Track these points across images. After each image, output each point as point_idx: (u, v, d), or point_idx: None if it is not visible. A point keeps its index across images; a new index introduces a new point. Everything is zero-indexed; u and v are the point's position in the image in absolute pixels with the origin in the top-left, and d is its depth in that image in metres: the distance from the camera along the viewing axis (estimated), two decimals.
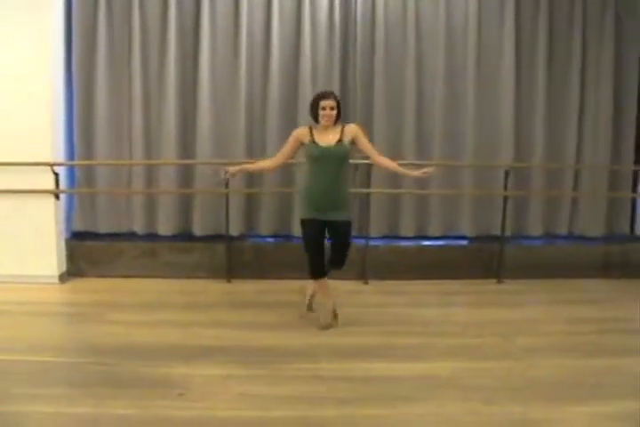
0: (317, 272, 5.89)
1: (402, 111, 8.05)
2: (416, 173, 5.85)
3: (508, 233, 8.02)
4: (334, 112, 5.71)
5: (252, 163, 6.59)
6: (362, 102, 8.01)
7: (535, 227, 8.30)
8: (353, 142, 5.79)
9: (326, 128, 5.75)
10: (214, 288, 7.48)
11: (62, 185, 7.56)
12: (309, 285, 6.24)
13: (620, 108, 8.24)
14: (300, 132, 5.83)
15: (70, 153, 7.95)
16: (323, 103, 5.68)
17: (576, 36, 8.06)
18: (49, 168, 7.33)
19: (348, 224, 5.87)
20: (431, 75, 8.03)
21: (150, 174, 8.03)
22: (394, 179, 7.89)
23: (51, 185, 7.39)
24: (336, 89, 7.83)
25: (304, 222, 5.84)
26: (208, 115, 7.91)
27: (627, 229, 8.50)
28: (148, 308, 6.68)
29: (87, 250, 7.88)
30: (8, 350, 5.36)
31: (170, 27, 7.78)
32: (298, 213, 5.95)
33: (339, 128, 5.78)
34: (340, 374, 4.95)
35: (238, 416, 4.22)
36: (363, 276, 7.58)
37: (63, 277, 7.62)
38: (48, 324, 6.24)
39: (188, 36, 7.89)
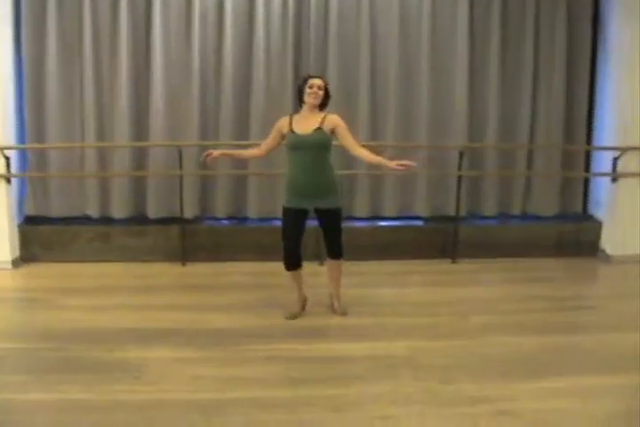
0: (288, 262, 5.77)
1: (356, 93, 8.04)
2: (393, 164, 5.44)
3: (462, 213, 8.06)
4: (321, 92, 5.57)
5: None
6: None
7: (489, 207, 8.35)
8: (332, 132, 5.59)
9: (310, 111, 5.62)
10: (169, 271, 7.46)
11: (13, 169, 7.48)
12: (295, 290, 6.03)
13: (572, 89, 8.29)
14: (281, 123, 5.72)
15: (21, 137, 7.85)
16: (311, 81, 5.57)
17: (529, 17, 8.09)
18: None
19: (333, 211, 5.75)
20: (385, 57, 8.03)
21: (103, 157, 7.95)
22: (347, 160, 7.85)
23: (1, 169, 7.31)
24: (289, 72, 7.84)
25: (284, 210, 5.78)
26: (161, 97, 7.84)
27: (579, 209, 8.58)
28: (103, 292, 6.65)
29: (40, 234, 7.81)
30: None
31: (121, 8, 7.67)
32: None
33: (321, 116, 5.61)
34: (294, 354, 4.98)
35: (194, 399, 4.23)
36: (318, 257, 7.58)
37: (16, 263, 7.54)
38: (1, 310, 6.19)
39: (140, 19, 7.80)
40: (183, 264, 7.62)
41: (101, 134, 7.91)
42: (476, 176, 8.23)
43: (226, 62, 7.86)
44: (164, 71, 7.82)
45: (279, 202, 7.68)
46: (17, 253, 7.62)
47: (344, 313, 5.90)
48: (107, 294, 6.59)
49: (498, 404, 4.15)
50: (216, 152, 5.84)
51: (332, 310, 5.98)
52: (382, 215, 8.27)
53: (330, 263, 6.00)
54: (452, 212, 8.03)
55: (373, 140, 7.99)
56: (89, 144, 7.85)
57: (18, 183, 7.78)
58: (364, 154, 5.64)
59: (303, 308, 6.01)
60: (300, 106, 5.72)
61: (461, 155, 7.78)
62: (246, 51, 7.91)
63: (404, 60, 8.06)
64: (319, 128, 5.53)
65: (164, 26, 7.76)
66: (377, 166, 5.93)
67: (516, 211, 8.45)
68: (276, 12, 7.85)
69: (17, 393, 4.31)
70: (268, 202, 8.00)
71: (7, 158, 7.30)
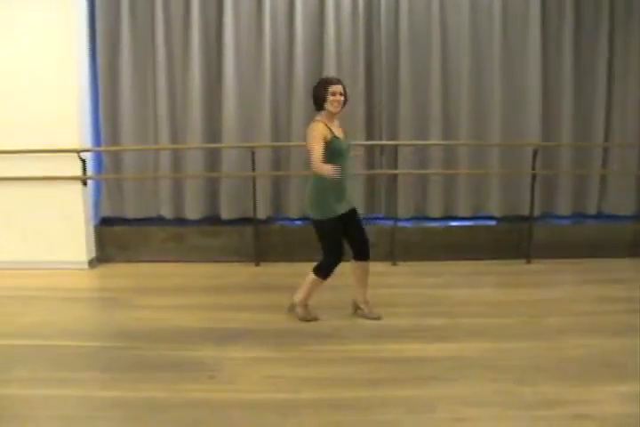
0: (331, 272, 5.66)
1: (428, 91, 7.99)
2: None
3: (536, 213, 7.96)
4: (342, 98, 5.40)
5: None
6: (387, 83, 7.97)
7: (564, 206, 8.23)
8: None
9: (334, 116, 5.48)
10: (242, 272, 7.50)
11: (89, 171, 7.61)
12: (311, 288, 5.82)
13: None
14: (323, 131, 5.35)
15: (97, 139, 8.00)
16: (333, 88, 5.34)
17: (604, 10, 7.92)
18: (76, 155, 7.36)
19: (312, 221, 5.68)
20: (457, 54, 7.96)
21: (177, 159, 8.05)
22: (421, 160, 7.89)
23: (78, 171, 7.44)
24: (361, 71, 7.82)
25: (332, 221, 5.51)
26: (233, 99, 7.90)
27: None
28: (177, 292, 6.73)
29: (115, 235, 7.94)
30: (39, 335, 5.43)
31: (193, 12, 7.77)
32: (321, 213, 5.48)
33: (338, 121, 5.58)
34: (369, 355, 4.96)
35: (268, 399, 4.24)
36: (391, 257, 7.57)
37: (92, 263, 7.68)
38: (78, 309, 6.31)
39: (211, 22, 7.88)
40: (256, 264, 7.66)
41: (174, 136, 8.01)
42: (551, 175, 8.12)
43: (297, 63, 7.88)
44: (235, 73, 7.87)
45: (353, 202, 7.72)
46: (93, 253, 7.76)
47: (379, 317, 5.75)
48: (181, 293, 6.66)
49: (576, 407, 4.07)
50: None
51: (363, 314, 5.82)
52: (456, 215, 8.20)
53: (359, 266, 5.77)
54: (525, 211, 7.93)
55: (446, 138, 7.95)
56: (163, 146, 7.94)
57: (94, 185, 7.92)
58: None
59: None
60: (318, 110, 5.48)
61: (535, 153, 7.67)
62: (317, 51, 7.93)
63: (476, 57, 7.98)
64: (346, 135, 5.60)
65: (236, 28, 7.82)
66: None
67: (592, 210, 8.30)
68: (346, 12, 7.84)
69: (93, 391, 4.38)
70: None
71: (83, 161, 7.42)
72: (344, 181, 5.46)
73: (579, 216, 8.34)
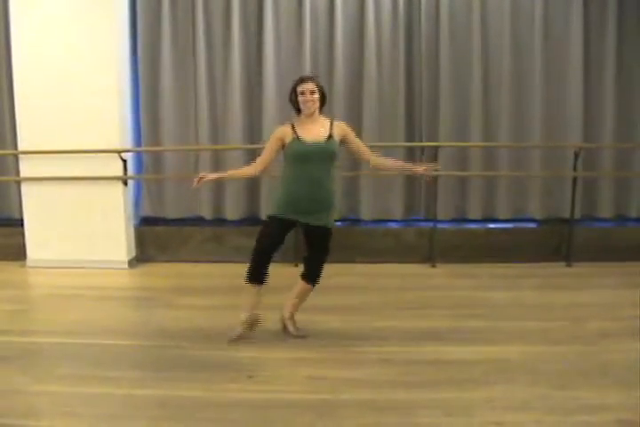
0: (256, 275, 5.38)
1: (468, 92, 7.97)
2: (421, 169, 5.24)
3: (577, 215, 7.88)
4: (316, 96, 5.00)
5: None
6: (428, 83, 7.95)
7: (606, 209, 8.15)
8: (342, 141, 5.11)
9: (310, 118, 5.07)
10: (282, 272, 7.39)
11: (130, 171, 7.67)
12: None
13: None
14: (282, 131, 5.13)
15: (137, 140, 8.07)
16: (300, 88, 4.99)
17: None
18: (117, 155, 7.42)
19: (325, 230, 5.21)
20: (498, 55, 7.93)
21: (217, 159, 8.09)
22: (461, 161, 7.85)
23: (119, 171, 7.49)
24: (401, 71, 7.82)
25: (271, 219, 5.23)
26: (273, 99, 7.93)
27: None
28: (217, 292, 6.76)
29: (155, 235, 7.99)
30: (79, 334, 5.48)
31: (233, 12, 7.83)
32: (267, 208, 5.37)
33: (327, 121, 5.12)
34: (408, 357, 4.94)
35: (307, 399, 4.23)
36: (430, 259, 7.54)
37: (132, 263, 7.74)
38: (118, 308, 6.37)
39: (252, 22, 7.93)
40: (295, 265, 7.62)
41: (215, 136, 8.06)
42: (592, 177, 8.04)
43: (337, 64, 7.90)
44: (276, 74, 7.92)
45: (393, 203, 7.67)
46: (133, 253, 7.81)
47: (304, 335, 5.41)
48: (221, 293, 6.69)
49: (618, 413, 4.01)
50: (211, 175, 5.23)
51: (286, 332, 5.46)
52: (496, 217, 8.15)
53: (302, 285, 5.56)
54: (566, 214, 7.85)
55: (486, 140, 7.91)
56: (203, 146, 7.99)
57: (134, 185, 7.99)
58: (385, 162, 5.32)
59: (253, 328, 5.38)
60: (297, 114, 5.17)
61: (576, 155, 7.60)
62: (357, 52, 7.95)
63: (517, 57, 7.95)
64: (331, 136, 5.04)
65: (276, 28, 7.88)
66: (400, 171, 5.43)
67: (634, 213, 8.22)
68: (387, 13, 7.86)
69: (132, 389, 4.40)
70: (381, 203, 7.99)
71: (124, 161, 7.47)
72: (302, 190, 5.06)
73: (620, 219, 8.25)
